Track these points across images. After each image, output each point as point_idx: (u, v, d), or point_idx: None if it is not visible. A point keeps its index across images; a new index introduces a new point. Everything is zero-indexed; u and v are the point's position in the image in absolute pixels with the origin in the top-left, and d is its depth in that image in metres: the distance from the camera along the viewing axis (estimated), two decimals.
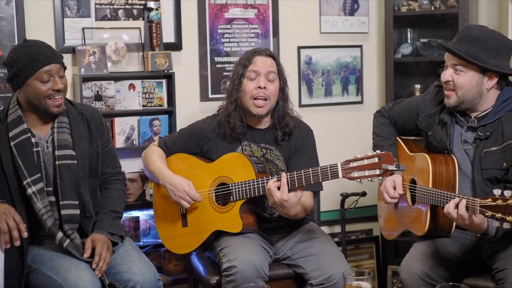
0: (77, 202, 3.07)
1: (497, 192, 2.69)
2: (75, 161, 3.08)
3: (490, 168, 3.09)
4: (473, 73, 3.10)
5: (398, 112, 3.54)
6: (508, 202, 2.62)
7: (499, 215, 2.65)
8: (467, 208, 2.81)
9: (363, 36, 4.90)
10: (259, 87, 3.37)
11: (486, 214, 2.70)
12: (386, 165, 2.85)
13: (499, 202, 2.65)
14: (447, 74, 3.16)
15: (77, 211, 3.05)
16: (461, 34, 3.15)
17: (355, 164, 2.93)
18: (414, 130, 3.51)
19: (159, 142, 3.62)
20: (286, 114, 3.47)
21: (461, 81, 3.11)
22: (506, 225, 2.65)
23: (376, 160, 2.88)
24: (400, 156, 3.47)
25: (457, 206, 2.85)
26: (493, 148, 3.09)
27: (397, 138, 3.58)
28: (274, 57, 3.48)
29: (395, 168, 2.85)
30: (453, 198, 2.91)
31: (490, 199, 2.69)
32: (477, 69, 3.10)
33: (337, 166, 2.98)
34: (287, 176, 3.09)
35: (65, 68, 3.10)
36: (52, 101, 3.02)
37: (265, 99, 3.39)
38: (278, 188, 3.09)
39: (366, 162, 2.91)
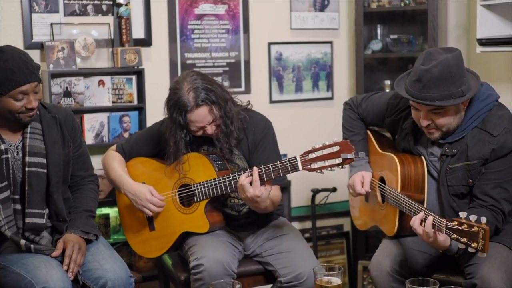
0: (43, 211, 3.02)
1: (463, 215, 2.69)
2: (45, 170, 3.03)
3: (456, 184, 3.06)
4: (451, 108, 2.96)
5: (367, 110, 3.50)
6: (473, 229, 2.62)
7: (464, 239, 2.66)
8: (433, 225, 2.80)
9: (333, 32, 4.92)
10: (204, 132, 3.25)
11: (452, 236, 2.71)
12: (345, 154, 2.83)
13: (465, 227, 2.65)
14: (425, 121, 2.99)
15: (42, 220, 3.01)
16: (422, 80, 2.88)
17: (314, 155, 2.91)
18: (382, 129, 3.51)
19: (117, 147, 3.56)
20: (231, 132, 3.29)
21: (443, 121, 2.98)
22: (470, 249, 2.66)
23: (334, 149, 2.86)
24: (370, 152, 3.47)
25: (423, 222, 2.85)
26: (458, 165, 3.05)
27: (368, 132, 3.56)
28: (199, 104, 3.17)
29: (354, 156, 2.83)
30: (421, 211, 2.90)
31: (456, 222, 2.69)
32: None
33: (296, 159, 2.96)
34: (258, 170, 3.06)
35: (41, 82, 2.99)
36: (25, 115, 2.95)
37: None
38: (251, 184, 3.06)
39: (325, 152, 2.88)
